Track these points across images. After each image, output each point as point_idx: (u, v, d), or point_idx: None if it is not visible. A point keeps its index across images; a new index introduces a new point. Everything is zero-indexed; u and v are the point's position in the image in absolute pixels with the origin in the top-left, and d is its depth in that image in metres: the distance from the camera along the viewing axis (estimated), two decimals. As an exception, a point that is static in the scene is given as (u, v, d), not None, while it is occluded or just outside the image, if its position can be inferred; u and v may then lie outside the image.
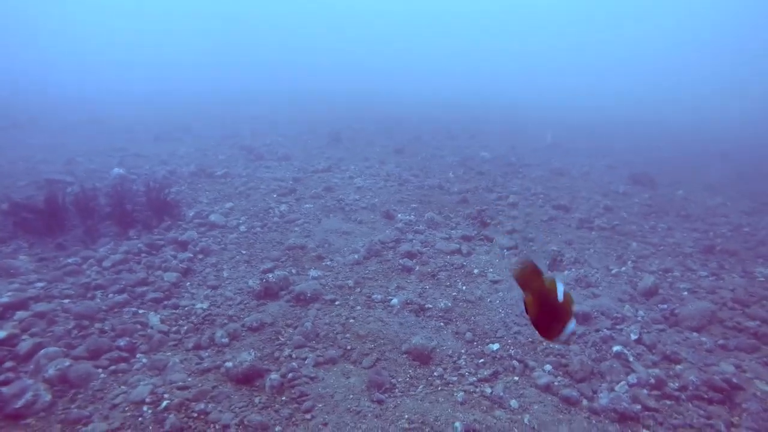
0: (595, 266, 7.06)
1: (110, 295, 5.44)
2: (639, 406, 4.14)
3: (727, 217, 10.03)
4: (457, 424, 3.81)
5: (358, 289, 5.90)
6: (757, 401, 4.27)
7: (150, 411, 3.75)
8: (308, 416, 3.85)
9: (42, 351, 4.24)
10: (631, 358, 4.86)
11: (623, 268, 7.05)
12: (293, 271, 6.31)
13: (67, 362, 4.14)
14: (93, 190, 8.31)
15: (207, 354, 4.59)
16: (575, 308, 2.01)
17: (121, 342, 4.57)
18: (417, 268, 6.53)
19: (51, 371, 4.01)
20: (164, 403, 3.80)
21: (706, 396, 4.38)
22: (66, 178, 9.57)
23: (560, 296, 2.03)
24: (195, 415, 3.76)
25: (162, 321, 5.05)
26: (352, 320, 5.22)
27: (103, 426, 3.56)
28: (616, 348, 4.97)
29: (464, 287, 6.12)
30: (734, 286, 6.50)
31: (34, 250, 6.37)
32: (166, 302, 5.45)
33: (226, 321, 5.12)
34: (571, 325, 2.06)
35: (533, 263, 2.11)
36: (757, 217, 10.10)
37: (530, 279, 2.09)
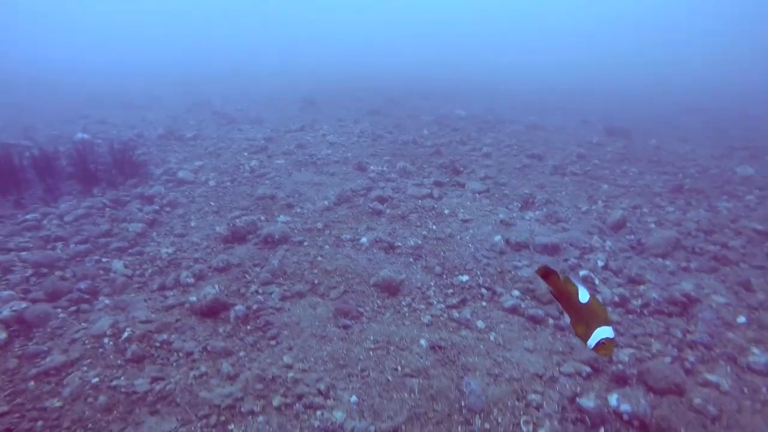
0: (566, 205, 7.11)
1: (71, 246, 5.30)
2: (601, 320, 4.22)
3: (696, 161, 10.17)
4: (422, 341, 3.83)
5: (327, 231, 5.86)
6: (711, 311, 4.38)
7: (111, 342, 3.69)
8: (273, 342, 3.83)
9: (-3, 294, 4.12)
10: (597, 281, 4.94)
11: (593, 207, 7.11)
12: (262, 218, 6.22)
13: (24, 304, 4.03)
14: (54, 153, 8.03)
15: (172, 293, 4.52)
16: (607, 314, 1.90)
17: (82, 285, 4.47)
18: (388, 211, 6.49)
19: (6, 312, 3.90)
20: (126, 334, 3.74)
21: (666, 310, 4.48)
22: (24, 143, 9.24)
23: (582, 298, 1.98)
24: (158, 344, 3.71)
25: (126, 266, 4.95)
26: (320, 258, 5.18)
27: (62, 358, 3.49)
28: (583, 272, 5.04)
29: (435, 226, 6.11)
30: (699, 219, 6.61)
31: (-9, 208, 6.16)
32: (130, 250, 5.33)
33: (191, 263, 5.04)
34: (603, 331, 1.95)
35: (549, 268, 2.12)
36: (725, 161, 10.27)
37: (546, 273, 2.10)
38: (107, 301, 4.34)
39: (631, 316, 4.39)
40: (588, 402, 3.24)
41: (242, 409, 3.11)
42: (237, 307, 4.14)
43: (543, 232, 5.97)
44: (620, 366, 3.65)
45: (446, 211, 6.54)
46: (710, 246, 5.73)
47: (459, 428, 3.06)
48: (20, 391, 3.19)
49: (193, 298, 4.19)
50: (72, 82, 23.21)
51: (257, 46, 55.82)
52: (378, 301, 4.53)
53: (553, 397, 3.34)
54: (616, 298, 4.57)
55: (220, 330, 3.93)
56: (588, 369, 3.63)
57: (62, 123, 12.31)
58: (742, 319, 4.36)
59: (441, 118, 14.23)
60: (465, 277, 5.01)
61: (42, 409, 3.05)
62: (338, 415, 3.09)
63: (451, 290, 4.80)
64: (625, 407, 3.19)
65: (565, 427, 3.09)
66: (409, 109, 15.94)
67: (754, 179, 8.67)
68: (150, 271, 4.89)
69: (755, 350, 3.86)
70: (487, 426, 3.07)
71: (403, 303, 4.52)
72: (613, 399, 3.29)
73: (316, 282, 4.75)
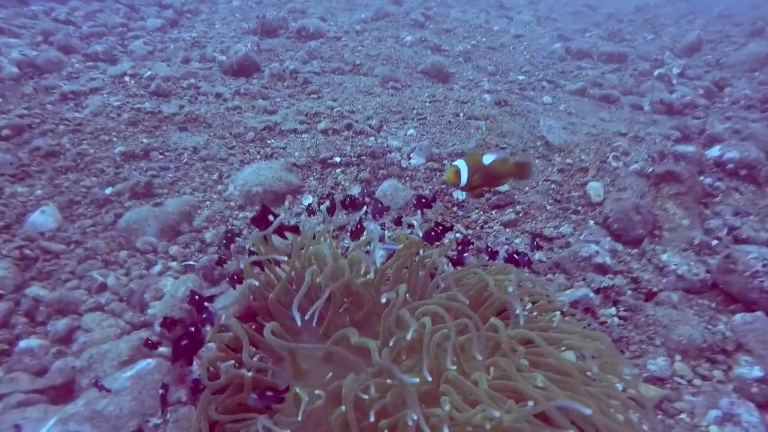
0: (628, 34, 6.31)
1: (84, 28, 4.76)
2: (689, 98, 3.68)
3: (771, 20, 9.04)
4: (486, 96, 3.36)
5: (366, 33, 5.22)
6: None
7: (132, 81, 3.27)
8: (314, 96, 3.38)
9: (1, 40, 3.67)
10: (675, 81, 4.33)
11: (660, 38, 6.31)
12: (293, 22, 5.57)
13: (35, 52, 3.59)
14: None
15: (197, 64, 4.03)
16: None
17: (98, 47, 3.99)
18: (431, 26, 5.79)
19: (14, 54, 3.47)
20: (148, 73, 3.31)
21: (759, 107, 3.91)
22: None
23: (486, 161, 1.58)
24: (184, 86, 3.29)
25: (145, 44, 4.43)
26: (360, 47, 4.60)
27: (81, 88, 3.08)
28: (659, 71, 4.43)
29: (484, 39, 5.43)
30: (785, 51, 5.81)
31: (-5, 0, 5.57)
32: (148, 37, 4.79)
33: (217, 45, 4.50)
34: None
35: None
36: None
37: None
38: (126, 60, 3.87)
39: (717, 107, 3.83)
40: (686, 148, 2.78)
41: (283, 128, 2.72)
42: (272, 65, 3.66)
43: (607, 45, 5.27)
44: (715, 132, 3.16)
45: (496, 28, 5.83)
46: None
47: (538, 161, 2.64)
48: (38, 107, 2.82)
49: (223, 57, 3.71)
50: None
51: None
52: (428, 84, 4.00)
53: (640, 149, 2.89)
54: (701, 91, 3.99)
55: (254, 82, 3.48)
56: (678, 133, 3.15)
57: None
58: None
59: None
60: (521, 77, 4.43)
61: (63, 118, 2.69)
62: (394, 143, 2.68)
63: (507, 85, 4.24)
64: (731, 154, 2.73)
65: (657, 169, 2.65)
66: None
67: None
68: (172, 47, 4.38)
69: None
70: (569, 161, 2.65)
71: (455, 87, 4.00)
72: (714, 150, 2.83)
73: (357, 63, 4.20)
